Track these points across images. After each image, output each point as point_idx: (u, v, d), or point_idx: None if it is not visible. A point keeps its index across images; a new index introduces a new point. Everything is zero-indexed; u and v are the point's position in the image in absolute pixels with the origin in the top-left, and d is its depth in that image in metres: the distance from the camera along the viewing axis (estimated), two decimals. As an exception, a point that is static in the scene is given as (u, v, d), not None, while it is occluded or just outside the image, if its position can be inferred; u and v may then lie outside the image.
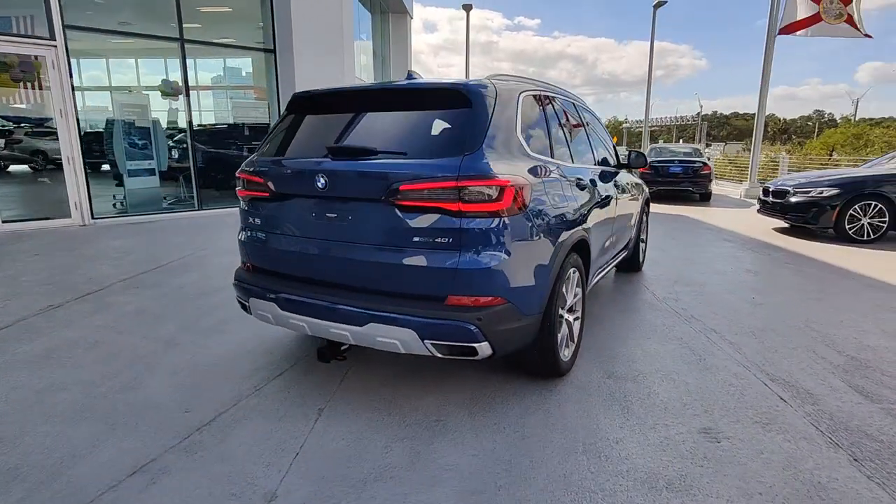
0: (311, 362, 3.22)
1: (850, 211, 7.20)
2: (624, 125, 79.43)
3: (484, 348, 2.34)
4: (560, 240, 2.74)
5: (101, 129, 8.85)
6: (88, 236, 7.08)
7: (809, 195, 7.54)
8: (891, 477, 2.13)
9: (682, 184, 12.54)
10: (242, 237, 3.00)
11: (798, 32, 17.70)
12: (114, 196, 8.68)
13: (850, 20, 17.21)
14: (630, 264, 5.39)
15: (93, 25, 8.15)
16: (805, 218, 7.57)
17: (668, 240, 7.54)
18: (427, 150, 2.47)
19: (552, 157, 3.02)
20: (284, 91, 9.50)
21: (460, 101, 2.51)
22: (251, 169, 2.87)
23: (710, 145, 53.16)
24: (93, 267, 5.45)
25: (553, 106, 3.37)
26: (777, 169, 14.57)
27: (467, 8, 17.23)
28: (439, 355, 2.38)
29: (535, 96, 3.09)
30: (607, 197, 3.82)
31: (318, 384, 2.94)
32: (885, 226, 7.11)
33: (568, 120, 3.59)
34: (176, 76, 8.74)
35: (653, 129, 75.74)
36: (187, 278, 5.08)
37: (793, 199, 7.72)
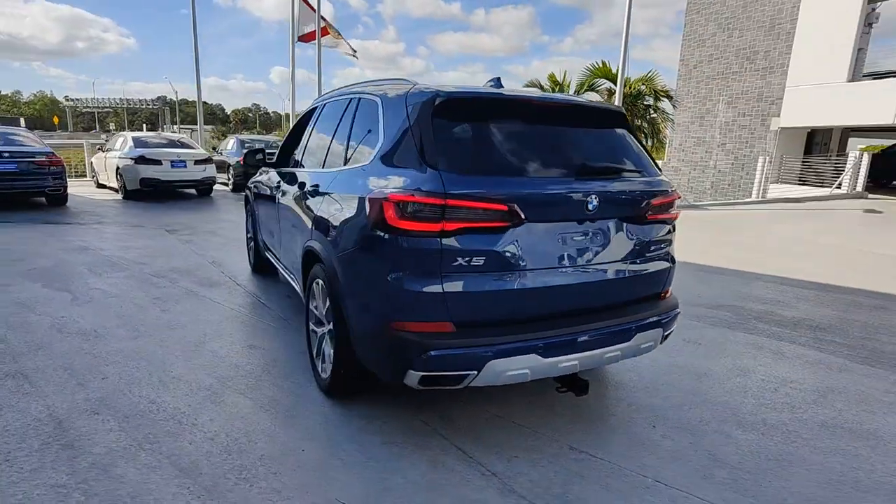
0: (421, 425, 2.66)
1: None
2: (66, 104, 67.59)
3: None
4: None
5: None
6: None
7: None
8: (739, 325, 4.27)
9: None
10: (431, 287, 2.16)
11: (314, 41, 20.87)
12: None
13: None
14: None
15: None
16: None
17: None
18: (632, 166, 2.71)
19: None
20: None
21: (622, 122, 2.83)
22: (488, 194, 2.16)
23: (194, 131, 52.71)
24: None
25: None
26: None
27: None
28: (659, 345, 2.80)
29: None
30: None
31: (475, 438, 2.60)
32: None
33: None
34: None
35: (97, 110, 67.57)
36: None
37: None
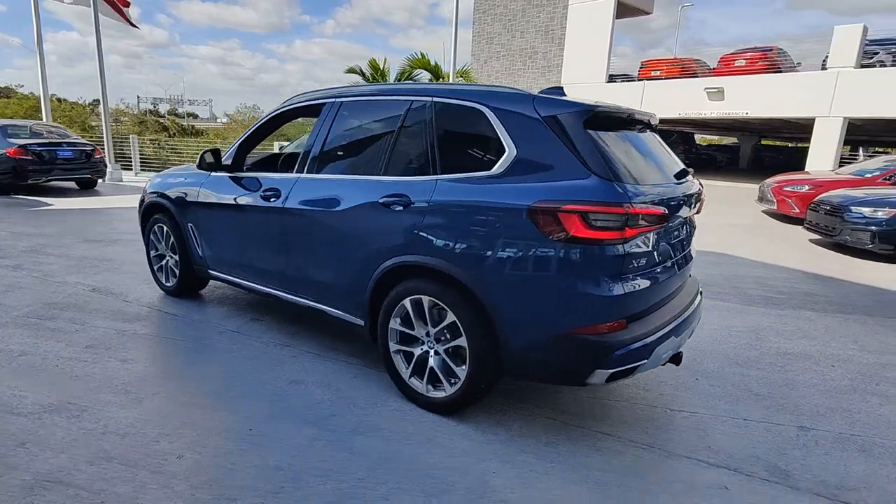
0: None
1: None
2: None
3: None
4: None
5: None
6: None
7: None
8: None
9: (81, 171, 10.62)
10: (616, 289, 2.37)
11: (66, 1, 16.88)
12: None
13: (117, 8, 18.04)
14: None
15: None
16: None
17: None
18: (685, 168, 3.21)
19: None
20: None
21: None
22: (646, 200, 2.41)
23: None
24: None
25: None
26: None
27: None
28: None
29: None
30: None
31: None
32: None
33: None
34: None
35: None
36: None
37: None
